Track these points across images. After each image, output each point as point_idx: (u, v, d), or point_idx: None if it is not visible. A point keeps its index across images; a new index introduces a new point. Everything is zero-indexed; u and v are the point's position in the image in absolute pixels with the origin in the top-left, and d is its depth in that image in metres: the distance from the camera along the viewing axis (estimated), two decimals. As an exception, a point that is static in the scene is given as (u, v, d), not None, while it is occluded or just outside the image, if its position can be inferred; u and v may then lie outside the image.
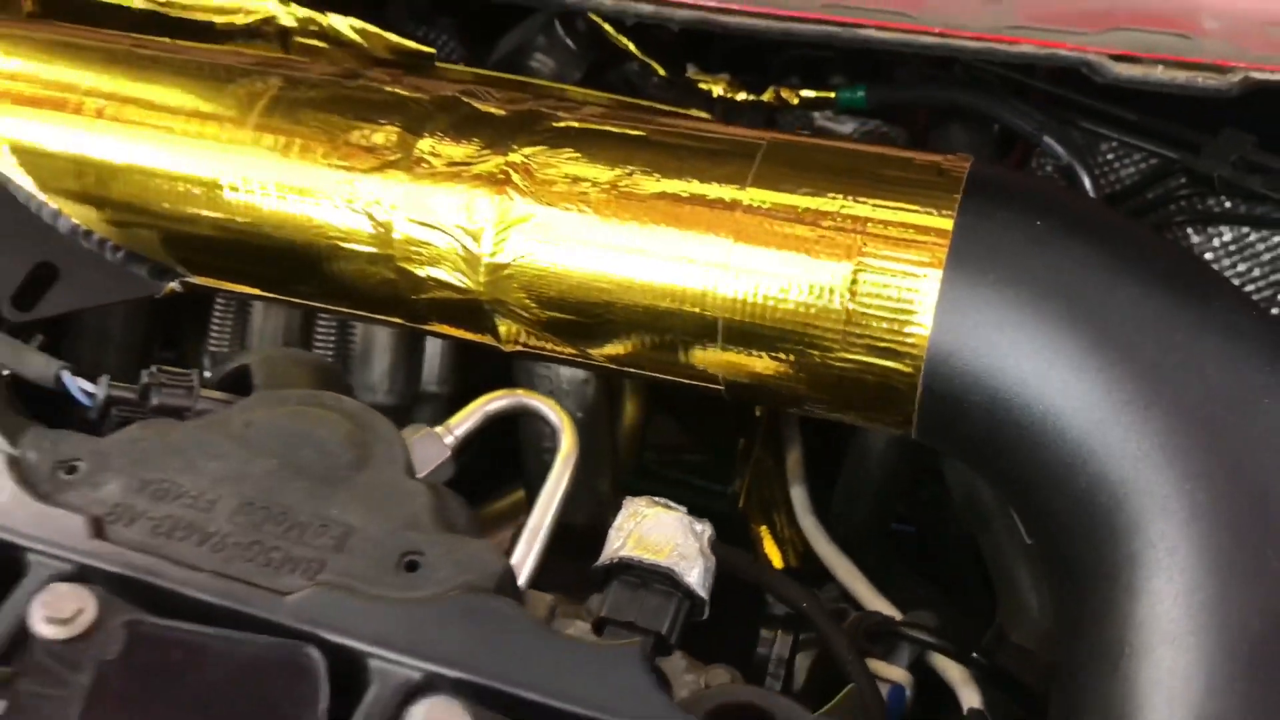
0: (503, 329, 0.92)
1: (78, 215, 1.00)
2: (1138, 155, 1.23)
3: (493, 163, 0.89)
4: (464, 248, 0.89)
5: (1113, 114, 1.17)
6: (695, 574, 0.81)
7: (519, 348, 0.93)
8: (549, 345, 0.92)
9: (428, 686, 0.68)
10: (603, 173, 0.87)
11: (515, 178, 0.88)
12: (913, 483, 1.28)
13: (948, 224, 0.80)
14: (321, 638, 0.68)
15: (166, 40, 1.10)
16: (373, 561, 0.74)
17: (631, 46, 1.32)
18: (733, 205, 0.84)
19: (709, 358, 0.87)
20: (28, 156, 1.00)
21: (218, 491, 0.78)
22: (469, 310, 0.92)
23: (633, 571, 0.81)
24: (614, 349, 0.90)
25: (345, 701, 0.67)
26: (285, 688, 0.66)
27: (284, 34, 1.28)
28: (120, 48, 1.04)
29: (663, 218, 0.85)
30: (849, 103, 1.26)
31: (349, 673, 0.68)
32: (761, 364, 0.85)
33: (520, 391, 0.92)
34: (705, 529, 0.83)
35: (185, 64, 1.02)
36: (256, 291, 1.03)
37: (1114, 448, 0.74)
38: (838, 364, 0.82)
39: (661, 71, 1.33)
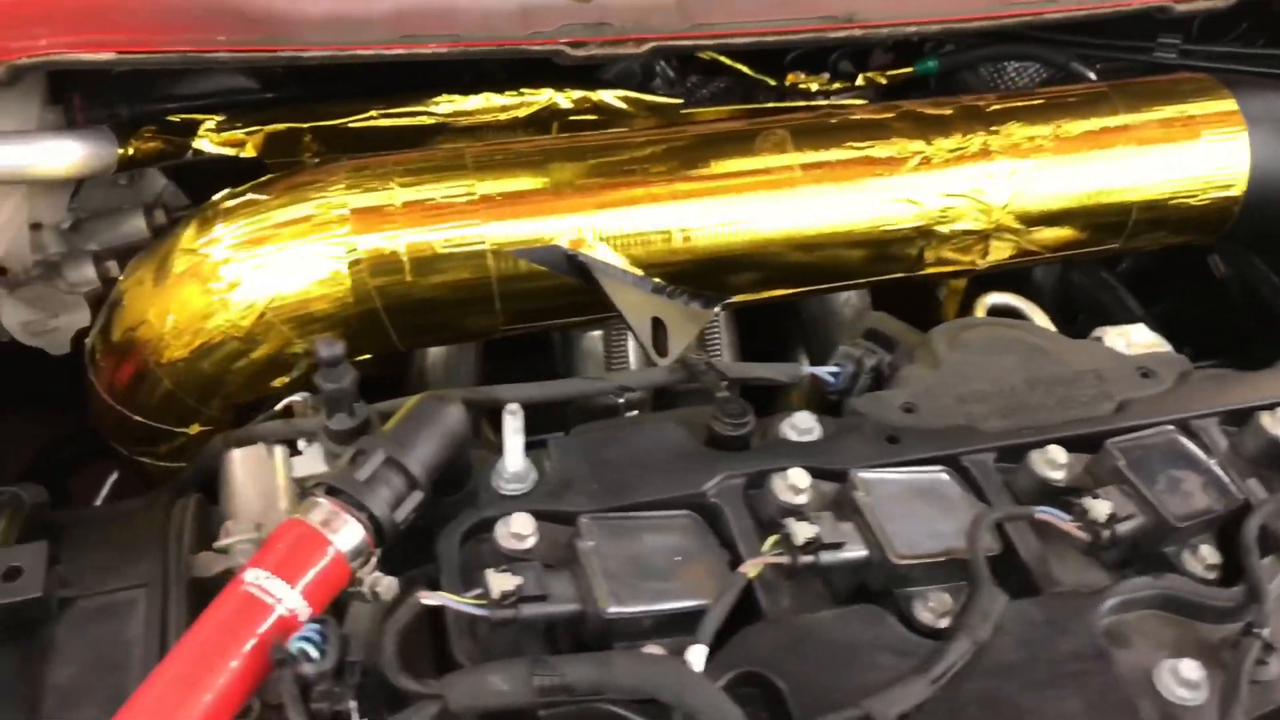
0: (994, 253, 1.37)
1: (654, 273, 1.28)
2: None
3: (976, 144, 1.33)
4: (979, 201, 1.32)
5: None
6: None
7: (993, 262, 1.38)
8: (1023, 253, 1.38)
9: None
10: (1041, 129, 1.35)
11: (994, 147, 1.33)
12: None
13: (1233, 105, 1.40)
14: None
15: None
16: (1124, 378, 1.18)
17: (744, 68, 1.74)
18: (1125, 128, 1.37)
19: (1120, 226, 1.39)
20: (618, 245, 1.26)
21: (1003, 384, 1.17)
22: (974, 245, 1.35)
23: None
24: (1063, 238, 1.38)
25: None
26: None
27: (559, 115, 1.55)
28: (678, 141, 1.34)
29: (1090, 146, 1.36)
30: (924, 71, 1.78)
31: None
32: (1153, 219, 1.39)
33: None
34: None
35: (723, 135, 1.34)
36: (785, 292, 1.36)
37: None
38: (1199, 203, 1.39)
39: (771, 81, 1.76)
